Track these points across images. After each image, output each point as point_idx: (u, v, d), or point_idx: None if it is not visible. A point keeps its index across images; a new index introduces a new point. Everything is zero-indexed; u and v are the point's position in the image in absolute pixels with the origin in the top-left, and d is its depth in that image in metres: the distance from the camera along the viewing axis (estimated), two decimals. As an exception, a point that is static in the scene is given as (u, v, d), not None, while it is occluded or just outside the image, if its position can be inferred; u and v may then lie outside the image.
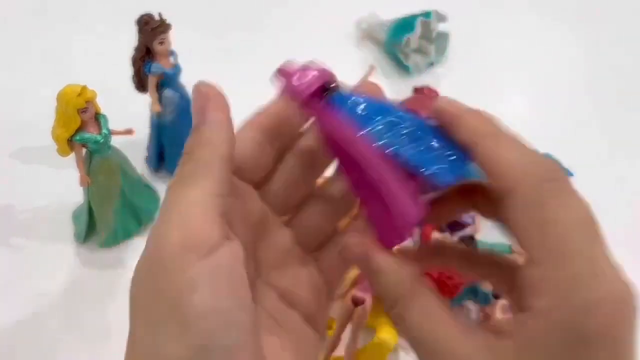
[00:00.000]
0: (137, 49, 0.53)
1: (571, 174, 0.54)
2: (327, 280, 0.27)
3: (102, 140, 0.47)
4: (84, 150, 0.48)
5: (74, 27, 0.78)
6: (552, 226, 0.20)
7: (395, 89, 0.68)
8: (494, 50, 0.75)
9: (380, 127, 0.23)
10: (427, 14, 0.70)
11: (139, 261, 0.22)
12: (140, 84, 0.55)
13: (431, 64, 0.72)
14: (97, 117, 0.47)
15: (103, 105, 0.48)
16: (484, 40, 0.77)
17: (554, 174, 0.22)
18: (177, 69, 0.55)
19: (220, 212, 0.21)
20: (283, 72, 0.25)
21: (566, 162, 0.55)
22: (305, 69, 0.25)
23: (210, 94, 0.23)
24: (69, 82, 0.46)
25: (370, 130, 0.23)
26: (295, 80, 0.24)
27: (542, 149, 0.63)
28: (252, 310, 0.22)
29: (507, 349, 0.21)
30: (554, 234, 0.20)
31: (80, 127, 0.46)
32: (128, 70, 0.55)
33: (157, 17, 0.52)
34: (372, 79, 0.63)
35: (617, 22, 0.80)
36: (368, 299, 0.44)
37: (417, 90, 0.62)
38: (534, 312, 0.20)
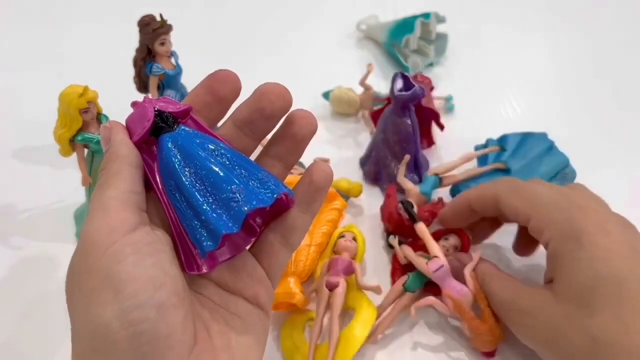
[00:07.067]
0: (139, 50, 0.53)
1: (574, 172, 0.54)
2: (265, 266, 0.30)
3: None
4: (85, 151, 0.48)
5: (75, 27, 0.79)
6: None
7: (394, 90, 0.68)
8: (492, 51, 0.76)
9: (186, 174, 0.26)
10: (426, 15, 0.70)
11: (72, 255, 0.25)
12: (142, 85, 0.55)
13: (430, 65, 0.72)
14: (99, 118, 0.47)
15: (104, 105, 0.48)
16: (483, 41, 0.77)
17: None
18: (178, 69, 0.55)
19: (136, 205, 0.26)
20: (132, 105, 0.28)
21: (565, 162, 0.55)
22: (144, 106, 0.27)
23: (111, 125, 0.28)
24: (70, 82, 0.46)
25: (176, 182, 0.26)
26: (130, 120, 0.28)
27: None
28: (178, 280, 0.25)
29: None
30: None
31: (82, 128, 0.46)
32: (130, 71, 0.55)
33: (158, 18, 0.52)
34: (371, 78, 0.63)
35: (618, 21, 0.81)
36: (342, 282, 0.44)
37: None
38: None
